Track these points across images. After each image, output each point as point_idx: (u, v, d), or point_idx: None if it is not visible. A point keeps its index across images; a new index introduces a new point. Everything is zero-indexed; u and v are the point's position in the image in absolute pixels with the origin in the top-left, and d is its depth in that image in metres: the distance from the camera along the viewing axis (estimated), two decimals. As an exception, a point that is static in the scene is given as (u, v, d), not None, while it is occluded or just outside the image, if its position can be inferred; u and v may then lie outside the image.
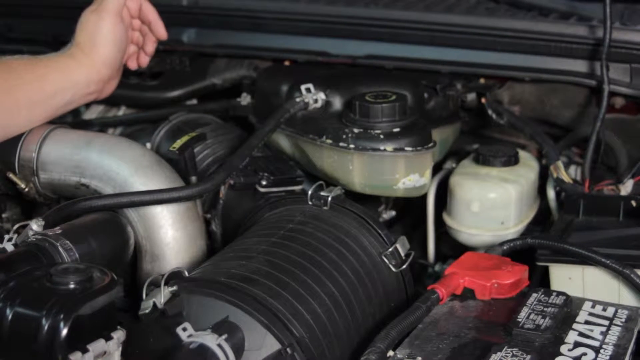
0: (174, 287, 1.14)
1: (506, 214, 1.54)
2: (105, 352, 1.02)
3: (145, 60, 1.69)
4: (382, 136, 1.48)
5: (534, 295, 1.19)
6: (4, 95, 1.42)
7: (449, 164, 1.70)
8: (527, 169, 1.61)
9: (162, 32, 1.67)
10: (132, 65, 1.68)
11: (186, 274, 1.19)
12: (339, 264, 1.27)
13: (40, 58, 1.51)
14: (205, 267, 1.26)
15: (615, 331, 1.11)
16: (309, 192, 1.39)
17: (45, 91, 1.47)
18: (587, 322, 1.14)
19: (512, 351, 1.06)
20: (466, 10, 1.84)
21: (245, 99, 1.83)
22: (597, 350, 1.07)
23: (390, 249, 1.33)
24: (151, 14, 1.65)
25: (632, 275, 1.24)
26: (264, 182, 1.51)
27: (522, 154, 1.64)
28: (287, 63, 1.93)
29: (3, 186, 1.54)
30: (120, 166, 1.42)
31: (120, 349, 1.05)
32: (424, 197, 1.62)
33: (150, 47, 1.68)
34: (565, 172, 1.56)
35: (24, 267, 1.12)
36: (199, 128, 1.69)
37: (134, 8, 1.63)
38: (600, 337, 1.10)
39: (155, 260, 1.42)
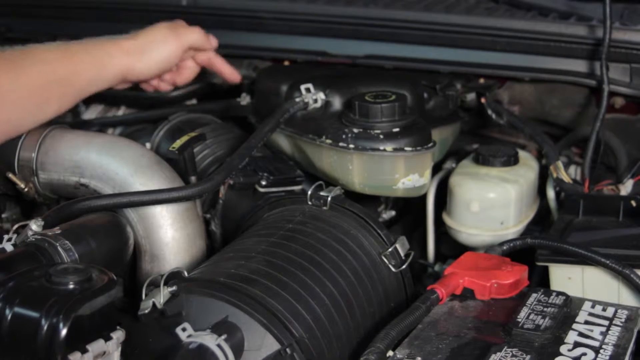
0: (174, 287, 1.14)
1: (506, 214, 1.54)
2: (104, 352, 1.02)
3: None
4: (381, 136, 1.48)
5: (534, 295, 1.19)
6: (37, 90, 1.42)
7: (448, 164, 1.70)
8: (527, 169, 1.61)
9: (234, 77, 1.74)
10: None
11: (185, 274, 1.19)
12: (338, 264, 1.27)
13: (75, 49, 1.50)
14: (204, 267, 1.26)
15: (615, 331, 1.11)
16: (309, 192, 1.39)
17: (77, 86, 1.48)
18: (586, 322, 1.14)
19: (511, 351, 1.06)
20: (466, 10, 1.85)
21: (244, 99, 1.83)
22: (596, 351, 1.07)
23: (390, 249, 1.33)
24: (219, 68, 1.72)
25: (632, 275, 1.24)
26: (263, 182, 1.51)
27: (522, 154, 1.64)
28: (286, 63, 1.93)
29: (3, 186, 1.54)
30: (120, 166, 1.42)
31: (119, 349, 1.05)
32: (423, 197, 1.62)
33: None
34: (565, 172, 1.56)
35: (24, 267, 1.12)
36: (199, 128, 1.69)
37: (201, 59, 1.69)
38: (600, 337, 1.10)
39: (154, 260, 1.42)
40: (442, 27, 1.79)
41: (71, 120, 1.92)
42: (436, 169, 1.66)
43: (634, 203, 1.43)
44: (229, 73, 1.73)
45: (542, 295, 1.19)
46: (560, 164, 1.56)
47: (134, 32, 1.59)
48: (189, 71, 1.71)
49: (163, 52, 1.58)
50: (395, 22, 1.83)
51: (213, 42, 1.71)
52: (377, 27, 1.84)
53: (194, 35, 1.65)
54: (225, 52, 1.94)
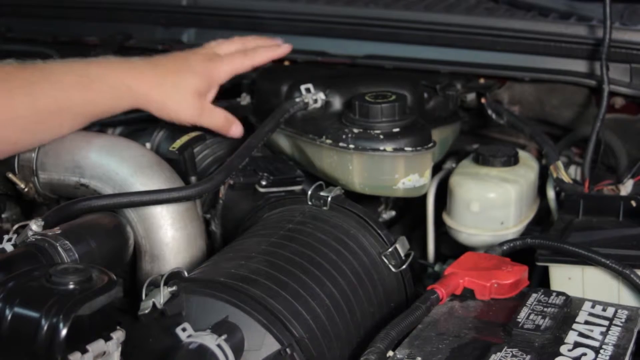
0: (174, 288, 1.14)
1: (506, 214, 1.54)
2: (104, 353, 1.02)
3: None
4: (381, 136, 1.48)
5: (534, 295, 1.19)
6: (51, 116, 1.39)
7: (448, 164, 1.70)
8: (527, 169, 1.61)
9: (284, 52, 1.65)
10: None
11: (186, 274, 1.19)
12: (338, 264, 1.27)
13: (94, 76, 1.42)
14: (204, 267, 1.26)
15: (615, 331, 1.11)
16: (309, 192, 1.39)
17: (91, 114, 1.45)
18: (587, 323, 1.14)
19: (511, 351, 1.06)
20: (466, 10, 1.85)
21: (245, 99, 1.82)
22: (597, 351, 1.07)
23: (390, 249, 1.33)
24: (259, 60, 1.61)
25: (632, 275, 1.24)
26: (263, 182, 1.51)
27: (522, 154, 1.64)
28: (286, 63, 1.93)
29: (3, 186, 1.54)
30: (120, 166, 1.42)
31: (119, 349, 1.05)
32: (423, 197, 1.62)
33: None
34: (565, 172, 1.56)
35: (24, 267, 1.12)
36: (199, 128, 1.69)
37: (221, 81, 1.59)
38: (600, 338, 1.10)
39: (154, 260, 1.41)
40: (442, 27, 1.79)
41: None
42: (436, 169, 1.66)
43: (634, 203, 1.43)
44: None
45: (542, 296, 1.19)
46: (560, 164, 1.56)
47: (162, 58, 1.52)
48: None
49: (184, 109, 1.50)
50: (395, 22, 1.83)
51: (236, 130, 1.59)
52: (377, 27, 1.84)
53: (212, 122, 1.54)
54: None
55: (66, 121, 1.42)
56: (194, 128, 1.56)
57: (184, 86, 1.49)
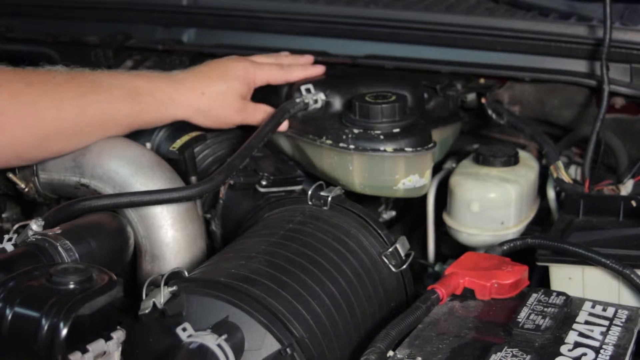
0: (174, 287, 1.14)
1: (506, 214, 1.54)
2: (104, 352, 1.02)
3: None
4: (382, 137, 1.48)
5: (534, 295, 1.19)
6: (97, 127, 1.41)
7: (449, 164, 1.70)
8: (527, 169, 1.61)
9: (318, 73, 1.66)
10: None
11: (186, 274, 1.19)
12: (338, 264, 1.27)
13: (142, 89, 1.45)
14: (205, 267, 1.26)
15: (615, 331, 1.11)
16: (309, 192, 1.39)
17: (136, 125, 1.47)
18: (587, 322, 1.14)
19: (512, 351, 1.06)
20: (466, 10, 1.84)
21: (245, 99, 1.82)
22: (597, 351, 1.07)
23: (390, 249, 1.33)
24: (294, 77, 1.63)
25: (632, 275, 1.24)
26: (264, 182, 1.51)
27: (522, 154, 1.64)
28: (287, 63, 1.93)
29: (3, 186, 1.54)
30: (120, 166, 1.42)
31: (120, 349, 1.04)
32: (424, 197, 1.62)
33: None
34: (565, 172, 1.56)
35: (24, 267, 1.12)
36: (199, 128, 1.69)
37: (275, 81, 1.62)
38: (600, 338, 1.10)
39: (155, 260, 1.41)
40: (442, 27, 1.78)
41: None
42: (436, 169, 1.66)
43: (634, 203, 1.43)
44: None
45: (543, 296, 1.19)
46: (560, 164, 1.56)
47: (206, 70, 1.54)
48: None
49: (231, 113, 1.54)
50: (396, 22, 1.83)
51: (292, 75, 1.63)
52: (378, 27, 1.84)
53: (256, 119, 1.57)
54: (226, 52, 1.95)
55: (109, 131, 1.44)
56: (193, 129, 1.56)
57: (228, 92, 1.53)
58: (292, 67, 1.64)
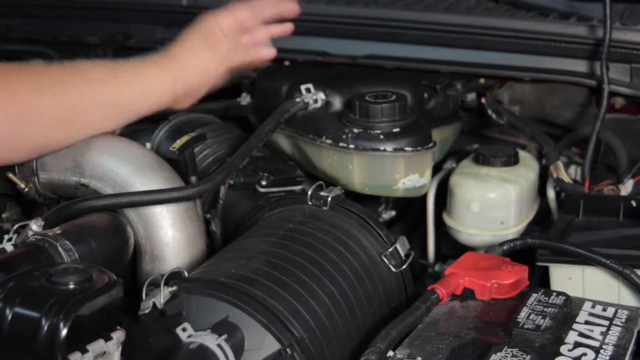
0: (174, 287, 1.14)
1: (506, 214, 1.54)
2: (104, 353, 1.02)
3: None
4: (382, 136, 1.48)
5: (534, 295, 1.19)
6: (78, 108, 1.40)
7: (449, 164, 1.70)
8: (527, 169, 1.61)
9: (290, 8, 1.62)
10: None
11: (186, 274, 1.19)
12: (338, 264, 1.27)
13: (119, 67, 1.46)
14: (205, 267, 1.26)
15: (615, 331, 1.11)
16: (309, 192, 1.39)
17: (120, 104, 1.45)
18: (587, 322, 1.14)
19: (512, 351, 1.06)
20: (466, 10, 1.85)
21: (245, 99, 1.82)
22: (597, 351, 1.07)
23: (390, 249, 1.33)
24: (266, 13, 1.60)
25: (632, 275, 1.24)
26: (263, 182, 1.51)
27: (522, 154, 1.64)
28: (286, 63, 1.93)
29: (3, 186, 1.54)
30: (120, 166, 1.42)
31: (119, 349, 1.04)
32: (424, 197, 1.62)
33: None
34: (565, 172, 1.56)
35: (24, 267, 1.12)
36: (199, 128, 1.69)
37: (244, 18, 1.58)
38: (600, 338, 1.10)
39: (155, 260, 1.41)
40: (442, 27, 1.79)
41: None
42: (436, 169, 1.66)
43: (634, 203, 1.43)
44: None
45: (543, 296, 1.19)
46: (560, 164, 1.56)
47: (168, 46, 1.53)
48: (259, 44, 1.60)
49: (213, 62, 1.53)
50: (396, 22, 1.83)
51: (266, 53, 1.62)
52: (378, 27, 1.84)
53: (237, 56, 1.56)
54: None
55: (95, 116, 1.43)
56: (193, 129, 1.56)
57: (195, 49, 1.52)
58: (261, 4, 1.61)
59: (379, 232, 1.35)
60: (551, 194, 1.62)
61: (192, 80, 1.52)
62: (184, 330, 1.07)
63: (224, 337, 1.06)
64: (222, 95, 1.95)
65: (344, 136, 1.49)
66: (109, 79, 1.43)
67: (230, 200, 1.54)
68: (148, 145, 1.66)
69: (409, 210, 1.80)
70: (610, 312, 1.16)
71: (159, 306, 1.12)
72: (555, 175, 1.55)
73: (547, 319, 1.12)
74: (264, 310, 1.11)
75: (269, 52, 1.63)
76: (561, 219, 1.47)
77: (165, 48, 1.53)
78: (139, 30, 2.08)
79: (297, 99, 1.58)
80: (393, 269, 1.33)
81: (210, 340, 1.06)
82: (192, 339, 1.06)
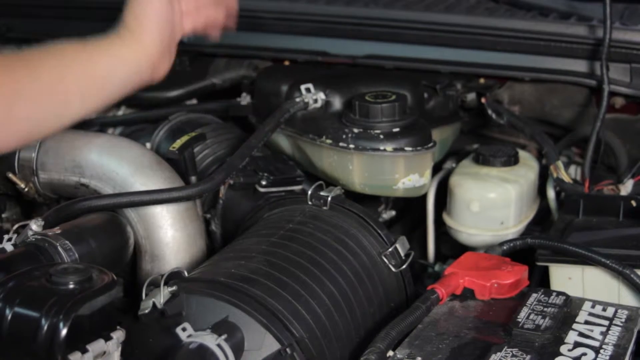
0: (174, 287, 1.14)
1: (506, 214, 1.54)
2: (104, 352, 1.02)
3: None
4: (381, 136, 1.48)
5: (534, 295, 1.19)
6: (56, 83, 1.39)
7: (449, 164, 1.70)
8: (527, 169, 1.61)
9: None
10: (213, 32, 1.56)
11: (186, 274, 1.19)
12: (338, 264, 1.27)
13: (87, 42, 1.43)
14: (204, 267, 1.26)
15: (615, 331, 1.11)
16: (309, 192, 1.39)
17: (96, 77, 1.41)
18: (587, 322, 1.14)
19: (511, 351, 1.06)
20: (466, 10, 1.84)
21: (245, 99, 1.82)
22: (597, 351, 1.07)
23: (390, 249, 1.33)
24: None
25: (632, 275, 1.24)
26: (263, 182, 1.51)
27: (522, 154, 1.64)
28: (286, 63, 1.93)
29: (3, 186, 1.54)
30: (120, 166, 1.42)
31: (119, 349, 1.05)
32: (424, 197, 1.62)
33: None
34: (565, 172, 1.56)
35: (24, 267, 1.12)
36: (199, 128, 1.69)
37: None
38: (600, 337, 1.10)
39: (155, 260, 1.42)
40: (442, 27, 1.78)
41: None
42: (436, 169, 1.66)
43: (634, 203, 1.43)
44: None
45: (542, 295, 1.19)
46: (560, 164, 1.56)
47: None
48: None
49: (148, 6, 1.47)
50: (396, 22, 1.83)
51: None
52: (378, 27, 1.84)
53: None
54: (226, 52, 1.95)
55: (73, 90, 1.41)
56: (193, 129, 1.56)
57: (153, 11, 1.47)
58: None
59: (379, 232, 1.35)
60: (551, 194, 1.62)
61: (149, 47, 1.47)
62: (183, 330, 1.07)
63: (223, 337, 1.06)
64: (222, 95, 1.95)
65: (344, 136, 1.49)
66: (78, 51, 1.41)
67: (230, 200, 1.54)
68: (148, 145, 1.66)
69: (409, 210, 1.80)
70: (610, 312, 1.16)
71: (159, 306, 1.12)
72: (555, 175, 1.55)
73: (547, 319, 1.12)
74: (263, 310, 1.11)
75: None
76: (561, 219, 1.47)
77: (124, 14, 1.49)
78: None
79: (297, 99, 1.58)
80: (393, 269, 1.33)
81: (210, 340, 1.06)
82: (192, 339, 1.06)
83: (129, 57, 1.46)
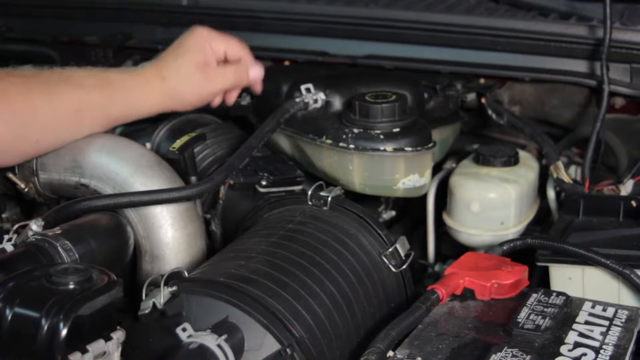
0: (174, 288, 1.14)
1: (506, 214, 1.54)
2: (104, 353, 1.02)
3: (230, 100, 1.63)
4: (382, 136, 1.48)
5: (534, 295, 1.19)
6: (71, 114, 1.42)
7: (449, 164, 1.70)
8: (527, 169, 1.61)
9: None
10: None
11: (186, 274, 1.19)
12: (338, 264, 1.27)
13: (110, 77, 1.47)
14: (204, 268, 1.26)
15: (615, 331, 1.11)
16: (309, 192, 1.39)
17: (111, 114, 1.47)
18: (587, 323, 1.14)
19: (512, 351, 1.06)
20: (466, 10, 1.85)
21: (245, 99, 1.82)
22: (597, 351, 1.07)
23: (390, 249, 1.33)
24: (236, 54, 1.58)
25: (632, 276, 1.24)
26: (263, 182, 1.51)
27: (522, 154, 1.64)
28: (287, 63, 1.93)
29: (3, 186, 1.54)
30: (120, 166, 1.42)
31: (119, 349, 1.04)
32: (424, 197, 1.62)
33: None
34: (565, 172, 1.56)
35: (24, 267, 1.12)
36: (199, 128, 1.69)
37: (219, 51, 1.55)
38: (600, 338, 1.10)
39: (155, 260, 1.41)
40: (442, 27, 1.79)
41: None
42: (436, 169, 1.66)
43: (634, 203, 1.43)
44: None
45: (543, 296, 1.19)
46: (560, 164, 1.56)
47: (159, 60, 1.52)
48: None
49: (196, 85, 1.52)
50: (396, 22, 1.83)
51: (254, 73, 1.59)
52: (378, 27, 1.84)
53: (227, 80, 1.55)
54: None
55: (86, 121, 1.44)
56: (193, 129, 1.55)
57: (182, 66, 1.51)
58: (251, 58, 1.60)
59: (379, 232, 1.35)
60: (551, 194, 1.62)
61: (180, 101, 1.53)
62: (184, 330, 1.07)
63: (224, 337, 1.06)
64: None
65: (344, 136, 1.49)
66: (100, 88, 1.45)
67: (230, 201, 1.54)
68: (148, 145, 1.66)
69: (409, 210, 1.80)
70: (610, 312, 1.16)
71: (159, 306, 1.12)
72: (555, 175, 1.55)
73: (547, 319, 1.12)
74: (263, 310, 1.11)
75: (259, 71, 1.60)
76: (561, 219, 1.47)
77: (158, 60, 1.52)
78: (139, 30, 2.08)
79: (297, 99, 1.58)
80: (393, 269, 1.33)
81: (210, 341, 1.05)
82: (192, 339, 1.06)
83: (152, 101, 1.49)
